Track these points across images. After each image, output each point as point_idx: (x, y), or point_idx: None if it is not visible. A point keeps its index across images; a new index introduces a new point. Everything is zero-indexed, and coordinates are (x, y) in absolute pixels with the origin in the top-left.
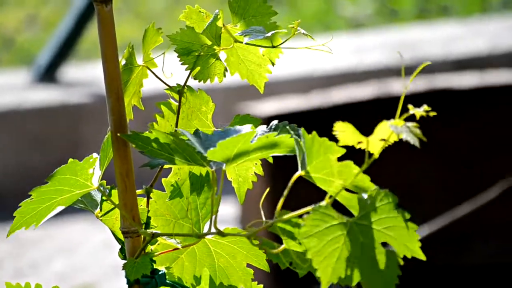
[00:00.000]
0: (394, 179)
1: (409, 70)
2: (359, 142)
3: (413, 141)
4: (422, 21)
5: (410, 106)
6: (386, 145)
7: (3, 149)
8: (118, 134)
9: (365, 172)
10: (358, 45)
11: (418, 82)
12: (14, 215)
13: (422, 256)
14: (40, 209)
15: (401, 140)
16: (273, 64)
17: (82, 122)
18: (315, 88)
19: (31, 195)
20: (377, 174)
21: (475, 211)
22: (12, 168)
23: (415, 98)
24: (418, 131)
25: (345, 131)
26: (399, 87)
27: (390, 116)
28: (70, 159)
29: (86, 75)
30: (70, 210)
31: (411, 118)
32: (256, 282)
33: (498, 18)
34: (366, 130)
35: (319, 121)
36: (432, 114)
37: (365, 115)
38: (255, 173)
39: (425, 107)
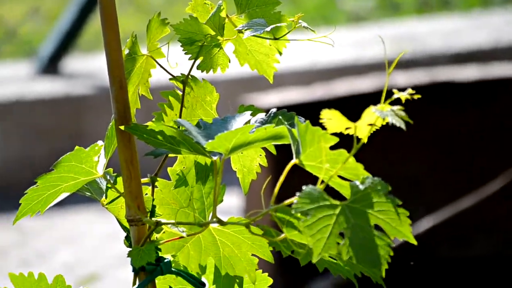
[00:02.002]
0: (397, 172)
1: (410, 63)
2: (347, 128)
3: (399, 123)
4: (423, 15)
5: (394, 91)
6: (374, 130)
7: (6, 140)
8: (120, 127)
9: (370, 164)
10: (359, 38)
11: (420, 74)
12: (20, 202)
13: (413, 240)
14: (46, 195)
15: (404, 134)
16: (280, 53)
17: (84, 113)
18: (316, 80)
19: (36, 182)
20: (380, 167)
21: (478, 203)
22: (16, 159)
23: (417, 91)
24: (403, 113)
25: (331, 119)
26: (401, 79)
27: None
28: (76, 147)
29: (88, 66)
30: (74, 201)
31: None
32: (260, 271)
33: (500, 12)
34: None
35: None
36: (416, 96)
37: (367, 107)
38: (260, 164)
39: (409, 90)
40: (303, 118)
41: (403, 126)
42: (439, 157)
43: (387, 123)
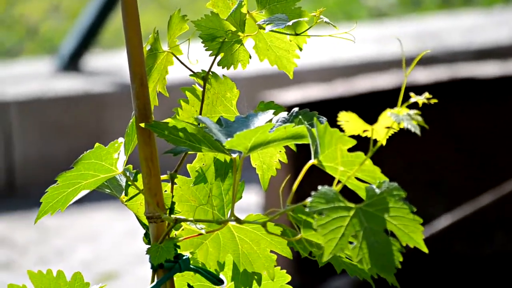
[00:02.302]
0: (416, 169)
1: (431, 60)
2: (364, 131)
3: (414, 129)
4: (445, 11)
5: (412, 94)
6: (392, 133)
7: (26, 137)
8: (141, 124)
9: (389, 159)
10: (380, 35)
11: (441, 71)
12: (41, 201)
13: (424, 248)
14: (66, 193)
15: (424, 131)
16: (300, 49)
17: (105, 110)
18: (337, 77)
19: (55, 181)
20: (399, 164)
21: (497, 201)
22: (35, 156)
23: (438, 87)
24: (419, 118)
25: (349, 121)
26: (423, 76)
27: (413, 105)
28: (96, 144)
29: (108, 64)
30: (93, 198)
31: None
32: (279, 268)
33: None
34: None
35: (342, 110)
36: (433, 101)
37: (388, 104)
38: (279, 160)
39: (426, 94)
40: (324, 119)
41: (418, 131)
42: (459, 153)
43: None
